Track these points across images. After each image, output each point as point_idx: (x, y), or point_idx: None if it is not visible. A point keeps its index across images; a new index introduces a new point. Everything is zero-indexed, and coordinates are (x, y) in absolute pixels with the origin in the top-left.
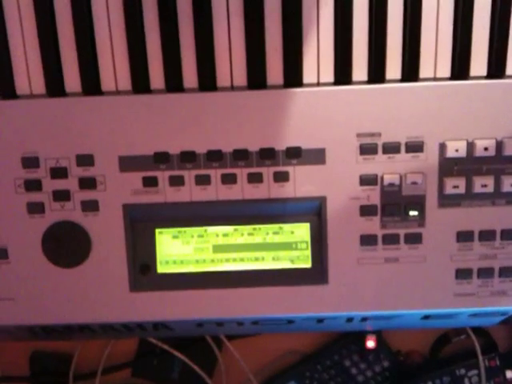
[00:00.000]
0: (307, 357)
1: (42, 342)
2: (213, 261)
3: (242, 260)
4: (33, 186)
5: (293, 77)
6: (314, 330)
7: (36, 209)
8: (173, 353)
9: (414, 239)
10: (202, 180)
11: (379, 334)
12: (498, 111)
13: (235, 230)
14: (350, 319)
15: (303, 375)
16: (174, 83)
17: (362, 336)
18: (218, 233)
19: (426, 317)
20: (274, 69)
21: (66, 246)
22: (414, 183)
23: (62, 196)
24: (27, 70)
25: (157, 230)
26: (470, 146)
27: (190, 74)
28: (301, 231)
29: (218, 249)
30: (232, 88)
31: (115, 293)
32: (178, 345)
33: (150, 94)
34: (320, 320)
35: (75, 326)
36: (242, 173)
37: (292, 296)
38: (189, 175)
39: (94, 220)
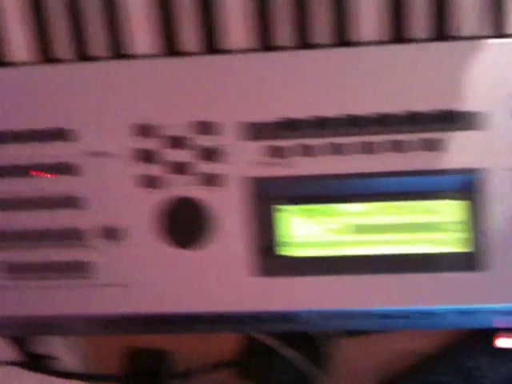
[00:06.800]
0: (428, 358)
1: (133, 338)
2: (349, 243)
3: (385, 243)
4: (146, 156)
5: None
6: (459, 326)
7: (151, 183)
8: (281, 350)
9: None
10: (337, 149)
11: None
12: None
13: (374, 207)
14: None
15: (425, 379)
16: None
17: (490, 335)
18: (356, 212)
19: None
20: None
21: (185, 224)
22: None
23: (179, 169)
24: None
25: (283, 207)
26: None
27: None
28: (455, 209)
29: (357, 229)
30: None
31: (237, 278)
32: (285, 341)
33: (277, 51)
34: (467, 312)
35: (201, 316)
36: (383, 141)
37: (446, 284)
38: (321, 144)
39: (215, 196)
